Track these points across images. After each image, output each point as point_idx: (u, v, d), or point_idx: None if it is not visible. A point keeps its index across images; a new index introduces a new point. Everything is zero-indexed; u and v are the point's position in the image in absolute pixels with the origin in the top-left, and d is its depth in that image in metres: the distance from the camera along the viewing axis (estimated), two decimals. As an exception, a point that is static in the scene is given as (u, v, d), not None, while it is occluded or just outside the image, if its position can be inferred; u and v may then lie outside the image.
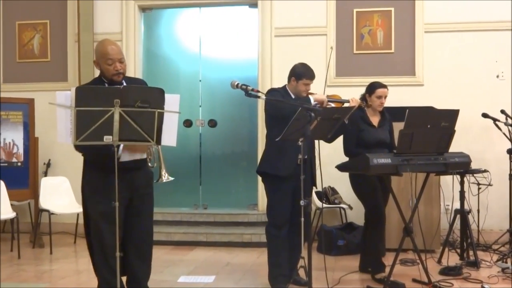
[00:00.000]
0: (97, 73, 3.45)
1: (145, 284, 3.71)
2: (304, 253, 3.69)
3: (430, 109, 4.84)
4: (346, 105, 4.31)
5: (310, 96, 4.17)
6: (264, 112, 4.27)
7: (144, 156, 3.52)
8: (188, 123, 6.73)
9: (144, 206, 3.57)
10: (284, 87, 4.27)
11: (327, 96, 4.18)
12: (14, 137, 6.07)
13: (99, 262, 3.44)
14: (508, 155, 5.37)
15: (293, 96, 4.18)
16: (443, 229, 5.47)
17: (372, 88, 4.51)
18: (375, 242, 4.53)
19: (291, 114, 3.61)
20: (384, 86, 4.50)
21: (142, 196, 3.53)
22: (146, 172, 3.58)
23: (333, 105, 4.21)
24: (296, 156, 3.78)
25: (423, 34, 6.22)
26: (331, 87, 5.82)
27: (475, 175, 5.29)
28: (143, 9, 6.83)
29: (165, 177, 3.53)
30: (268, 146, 4.25)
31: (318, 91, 4.19)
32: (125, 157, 3.32)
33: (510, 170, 5.35)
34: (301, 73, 4.14)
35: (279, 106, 3.98)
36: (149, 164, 3.50)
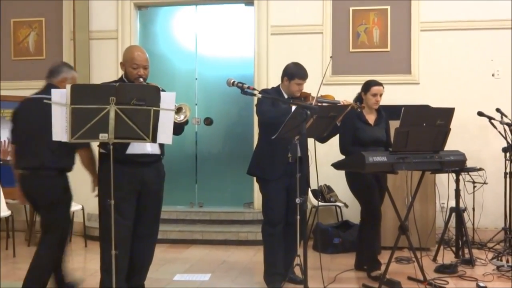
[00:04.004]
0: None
1: (142, 280, 3.72)
2: (299, 251, 3.69)
3: (425, 108, 4.84)
4: None
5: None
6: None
7: (157, 152, 3.53)
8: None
9: (151, 202, 3.61)
10: (278, 87, 4.25)
11: (321, 96, 4.16)
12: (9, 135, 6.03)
13: (108, 256, 3.24)
14: (503, 154, 5.39)
15: (286, 96, 4.17)
16: (438, 227, 5.48)
17: (367, 86, 4.52)
18: (371, 240, 4.54)
19: (284, 114, 3.60)
20: (380, 84, 4.50)
21: (150, 192, 3.56)
22: (157, 169, 3.61)
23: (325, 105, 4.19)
24: (285, 157, 3.79)
25: (419, 32, 6.22)
26: (327, 85, 5.80)
27: (470, 173, 5.32)
28: (138, 7, 6.80)
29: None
30: (259, 145, 4.26)
31: (314, 89, 4.18)
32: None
33: (505, 168, 5.37)
34: (293, 73, 4.12)
35: (264, 109, 3.99)
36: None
